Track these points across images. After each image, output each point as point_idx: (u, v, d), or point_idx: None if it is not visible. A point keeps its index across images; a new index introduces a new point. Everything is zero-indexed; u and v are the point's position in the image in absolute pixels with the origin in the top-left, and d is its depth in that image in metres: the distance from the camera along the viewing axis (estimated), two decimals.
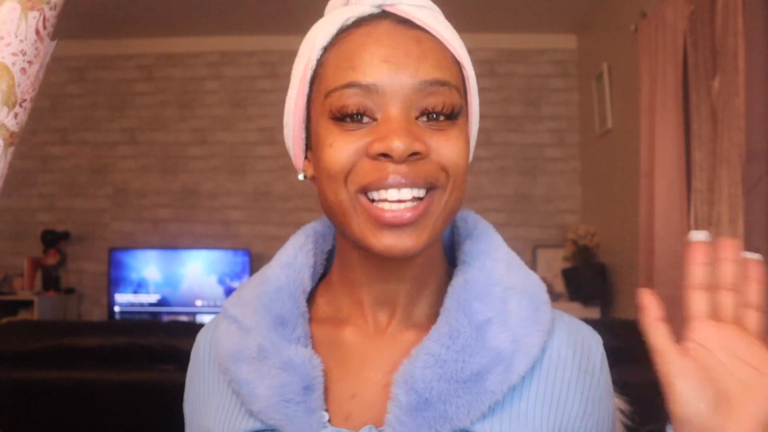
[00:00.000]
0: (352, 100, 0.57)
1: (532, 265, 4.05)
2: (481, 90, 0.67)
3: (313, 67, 0.62)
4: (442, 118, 0.59)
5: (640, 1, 2.95)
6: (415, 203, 0.58)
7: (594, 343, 0.66)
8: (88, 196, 4.51)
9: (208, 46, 4.45)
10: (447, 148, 0.58)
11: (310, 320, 0.67)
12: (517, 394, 0.61)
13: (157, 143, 4.49)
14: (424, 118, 0.58)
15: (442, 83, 0.58)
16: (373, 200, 0.58)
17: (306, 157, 0.66)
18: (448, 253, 0.71)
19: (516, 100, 4.30)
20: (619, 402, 0.87)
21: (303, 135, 0.65)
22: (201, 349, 0.72)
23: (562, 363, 0.63)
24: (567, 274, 3.70)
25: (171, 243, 4.41)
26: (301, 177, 0.67)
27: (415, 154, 0.57)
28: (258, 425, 0.62)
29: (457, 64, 0.62)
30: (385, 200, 0.57)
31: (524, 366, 0.60)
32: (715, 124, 2.22)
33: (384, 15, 0.61)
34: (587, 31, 4.09)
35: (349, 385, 0.63)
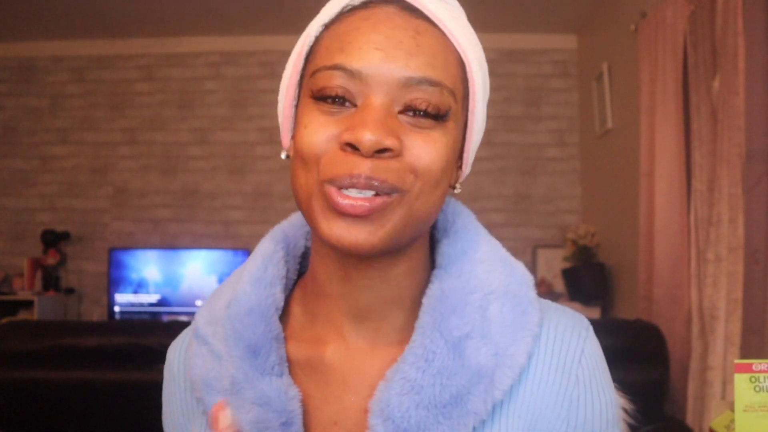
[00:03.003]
0: (334, 82, 0.54)
1: (533, 265, 4.06)
2: None
3: (310, 43, 0.59)
4: (427, 116, 0.54)
5: (640, 1, 2.95)
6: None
7: (574, 336, 0.60)
8: (88, 196, 4.51)
9: (208, 46, 4.45)
10: (423, 149, 0.54)
11: (286, 338, 0.63)
12: (503, 410, 0.58)
13: (157, 143, 4.49)
14: (410, 113, 0.54)
15: (432, 83, 0.54)
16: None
17: (293, 136, 0.62)
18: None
19: (516, 100, 4.30)
20: (622, 401, 0.87)
21: (292, 113, 0.62)
22: (175, 368, 0.68)
23: (546, 366, 0.59)
24: (567, 274, 3.70)
25: (171, 243, 4.41)
26: (283, 156, 0.64)
27: (385, 150, 0.52)
28: None
29: (460, 64, 0.58)
30: (347, 197, 0.53)
31: (508, 380, 0.56)
32: (715, 124, 2.22)
33: (405, 4, 0.57)
34: (587, 31, 4.09)
35: (331, 410, 0.60)
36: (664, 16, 2.62)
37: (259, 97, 4.39)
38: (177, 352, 0.69)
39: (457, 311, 0.58)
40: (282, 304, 0.64)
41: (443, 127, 0.55)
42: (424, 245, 0.63)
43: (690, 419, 2.26)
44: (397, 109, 0.54)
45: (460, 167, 0.63)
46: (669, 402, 2.35)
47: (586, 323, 0.63)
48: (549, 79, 4.33)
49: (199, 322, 0.65)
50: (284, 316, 0.65)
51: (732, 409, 0.71)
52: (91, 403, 2.03)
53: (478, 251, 0.62)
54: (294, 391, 0.59)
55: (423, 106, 0.54)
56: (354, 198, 0.52)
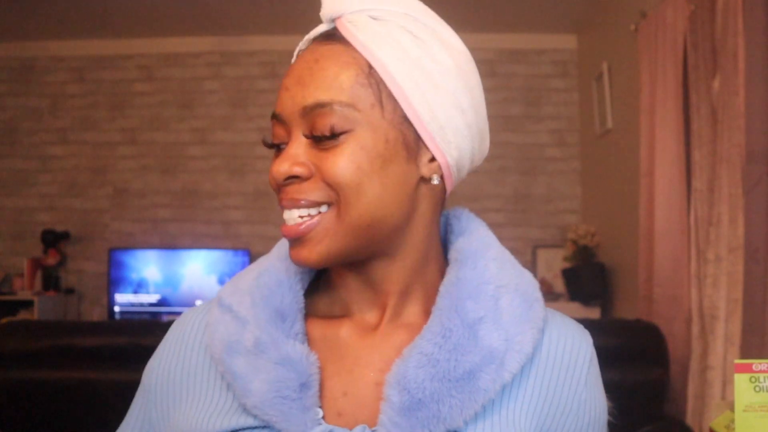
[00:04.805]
0: (273, 130, 0.63)
1: (533, 265, 4.06)
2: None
3: None
4: (325, 138, 0.59)
5: (640, 1, 2.95)
6: (306, 219, 0.61)
7: (584, 343, 0.67)
8: (88, 196, 4.51)
9: (208, 46, 4.45)
10: (328, 166, 0.59)
11: (306, 316, 0.67)
12: (508, 395, 0.62)
13: (157, 143, 4.49)
14: (313, 139, 0.60)
15: (323, 104, 0.59)
16: None
17: None
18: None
19: (516, 100, 4.30)
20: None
21: None
22: (189, 329, 0.71)
23: (551, 363, 0.64)
24: (567, 274, 3.70)
25: (171, 243, 4.41)
26: None
27: (293, 177, 0.60)
28: (251, 421, 0.61)
29: (366, 70, 0.59)
30: (284, 225, 0.62)
31: (516, 365, 0.60)
32: (715, 124, 2.22)
33: (329, 32, 0.63)
34: (587, 31, 4.09)
35: (342, 382, 0.63)
36: (664, 16, 2.62)
37: (259, 97, 4.39)
38: (193, 316, 0.72)
39: (472, 297, 0.63)
40: (307, 284, 0.70)
41: (342, 142, 0.59)
42: (425, 242, 0.66)
43: (690, 419, 2.26)
44: (306, 136, 0.61)
45: (432, 159, 0.63)
46: (669, 402, 2.35)
47: (587, 331, 0.69)
48: (549, 79, 4.33)
49: (223, 294, 0.69)
50: (306, 296, 0.69)
51: (732, 409, 0.71)
52: (91, 403, 2.03)
53: (491, 250, 0.67)
54: (313, 357, 0.62)
55: (319, 132, 0.59)
56: (288, 227, 0.62)
